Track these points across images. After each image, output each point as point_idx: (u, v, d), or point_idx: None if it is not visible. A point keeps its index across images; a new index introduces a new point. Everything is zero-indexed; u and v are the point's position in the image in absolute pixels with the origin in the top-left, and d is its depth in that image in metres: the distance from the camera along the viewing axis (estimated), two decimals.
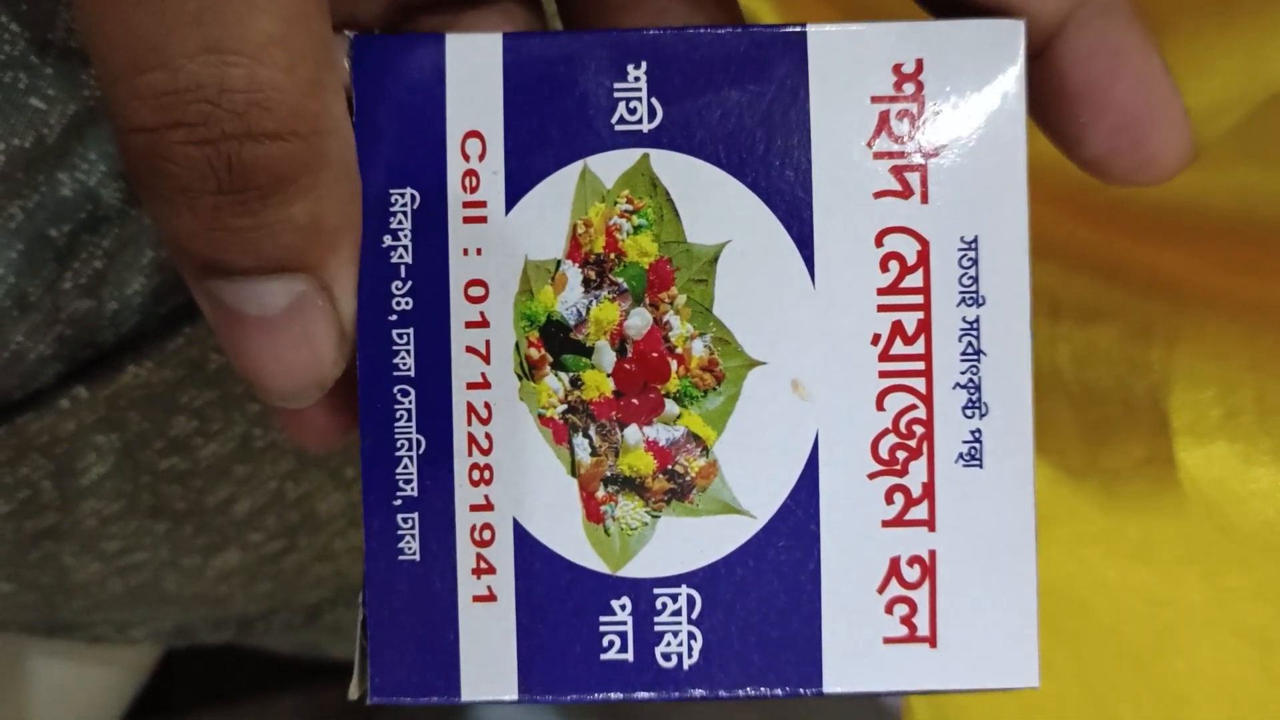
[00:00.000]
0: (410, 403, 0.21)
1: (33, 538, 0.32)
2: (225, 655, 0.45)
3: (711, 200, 0.21)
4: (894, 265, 0.21)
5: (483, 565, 0.21)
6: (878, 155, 0.21)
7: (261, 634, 0.42)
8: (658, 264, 0.21)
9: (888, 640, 0.21)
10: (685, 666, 0.21)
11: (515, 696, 0.21)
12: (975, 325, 0.21)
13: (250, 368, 0.19)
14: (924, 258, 0.21)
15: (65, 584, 0.34)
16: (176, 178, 0.17)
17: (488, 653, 0.21)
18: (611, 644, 0.21)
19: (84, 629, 0.39)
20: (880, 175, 0.21)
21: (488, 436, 0.21)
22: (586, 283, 0.21)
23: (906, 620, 0.21)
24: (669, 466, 0.21)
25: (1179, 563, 0.31)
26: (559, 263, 0.21)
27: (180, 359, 0.29)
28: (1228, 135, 0.31)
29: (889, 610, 0.21)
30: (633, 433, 0.21)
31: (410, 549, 0.21)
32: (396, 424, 0.21)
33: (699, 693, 0.21)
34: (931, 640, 0.21)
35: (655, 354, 0.21)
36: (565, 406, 0.21)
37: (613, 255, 0.21)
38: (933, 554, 0.21)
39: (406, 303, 0.21)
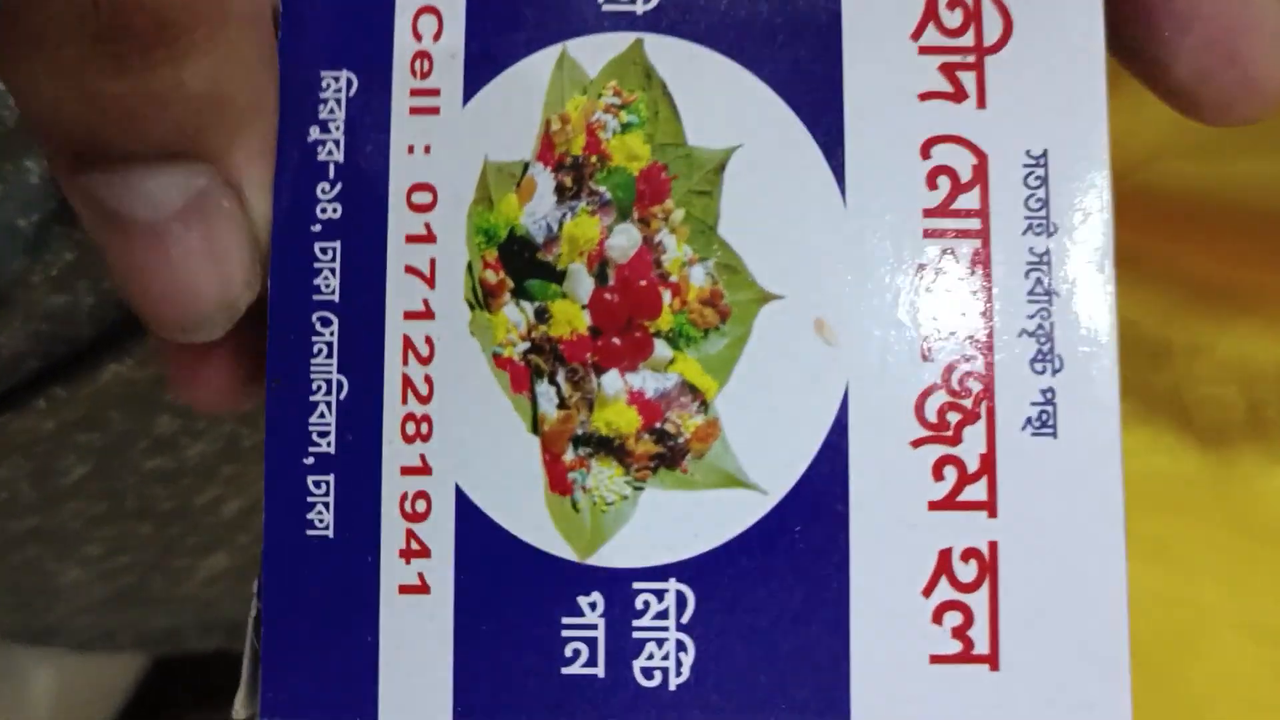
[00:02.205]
0: (332, 335, 0.17)
1: (13, 540, 0.31)
2: (215, 662, 0.44)
3: (718, 96, 0.17)
4: (944, 182, 0.17)
5: (414, 546, 0.17)
6: (924, 50, 0.17)
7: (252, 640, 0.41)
8: (650, 171, 0.17)
9: (935, 659, 0.16)
10: (672, 687, 0.16)
11: None
12: (1045, 259, 0.17)
13: (138, 289, 0.15)
14: (981, 174, 0.17)
15: (48, 587, 0.34)
16: (31, 21, 0.14)
17: (416, 662, 0.16)
18: (577, 654, 0.16)
19: (69, 635, 0.38)
20: (927, 73, 0.17)
21: (427, 380, 0.17)
22: (560, 191, 0.17)
23: (960, 633, 0.17)
24: (657, 425, 0.17)
25: (1196, 563, 0.31)
26: (526, 165, 0.17)
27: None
28: (1245, 126, 0.30)
29: (937, 619, 0.16)
30: (612, 381, 0.17)
31: (322, 521, 0.17)
32: (313, 361, 0.17)
33: None
34: (993, 661, 0.16)
35: (644, 282, 0.17)
36: (527, 345, 0.17)
37: (594, 158, 0.17)
38: (993, 547, 0.17)
39: (334, 209, 0.17)
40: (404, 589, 0.17)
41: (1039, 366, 0.17)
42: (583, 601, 0.17)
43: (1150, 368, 0.28)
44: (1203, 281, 0.28)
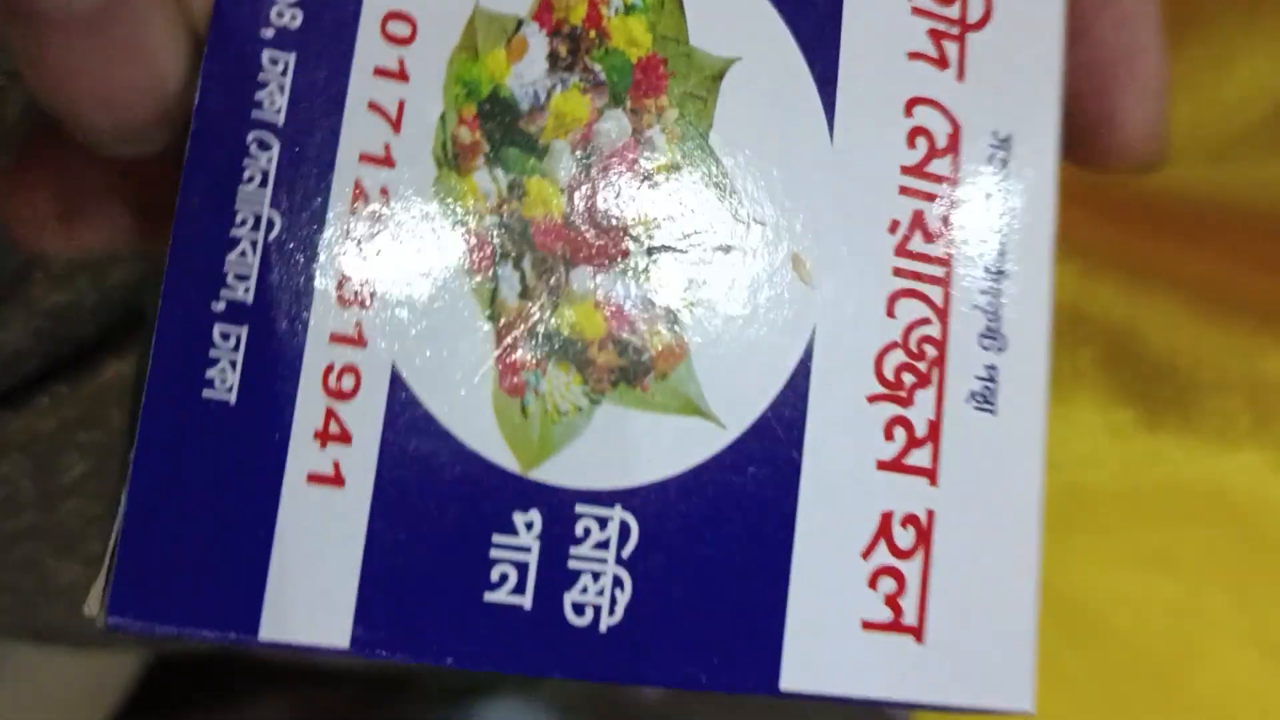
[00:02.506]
0: (269, 162, 0.14)
1: (12, 538, 0.31)
2: (215, 659, 0.44)
3: (726, 3, 0.16)
4: (922, 143, 0.17)
5: (332, 429, 0.14)
6: (916, 11, 0.17)
7: None
8: (649, 61, 0.16)
9: (867, 625, 0.16)
10: (602, 628, 0.15)
11: (345, 644, 0.14)
12: (1006, 241, 0.17)
13: (57, 90, 0.13)
14: (954, 143, 0.17)
15: (47, 587, 0.33)
16: None
17: (315, 568, 0.14)
18: (504, 579, 0.14)
19: (68, 633, 0.38)
20: (917, 34, 0.17)
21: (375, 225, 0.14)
22: (553, 59, 0.16)
23: (891, 600, 0.16)
24: (623, 336, 0.15)
25: (1202, 573, 0.30)
26: (520, 23, 0.15)
27: None
28: (1255, 129, 0.30)
29: (873, 583, 0.16)
30: (581, 278, 0.15)
31: (223, 383, 0.14)
32: (242, 188, 0.14)
33: (613, 675, 0.15)
34: (919, 633, 0.16)
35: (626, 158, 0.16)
36: (496, 219, 0.15)
37: (593, 33, 0.16)
38: (930, 516, 0.16)
39: (293, 17, 0.14)
40: (313, 478, 0.14)
41: (986, 343, 0.17)
42: (519, 519, 0.15)
43: (1155, 377, 0.28)
44: (1211, 289, 0.28)
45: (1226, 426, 0.27)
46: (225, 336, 0.14)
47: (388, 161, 0.15)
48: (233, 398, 0.14)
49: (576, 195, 0.15)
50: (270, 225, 0.14)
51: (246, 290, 0.14)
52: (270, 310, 0.14)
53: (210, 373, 0.14)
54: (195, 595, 0.13)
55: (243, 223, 0.14)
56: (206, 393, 0.14)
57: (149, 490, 0.13)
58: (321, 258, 0.14)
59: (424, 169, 0.15)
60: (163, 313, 0.13)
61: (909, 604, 0.16)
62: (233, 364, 0.14)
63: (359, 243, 0.14)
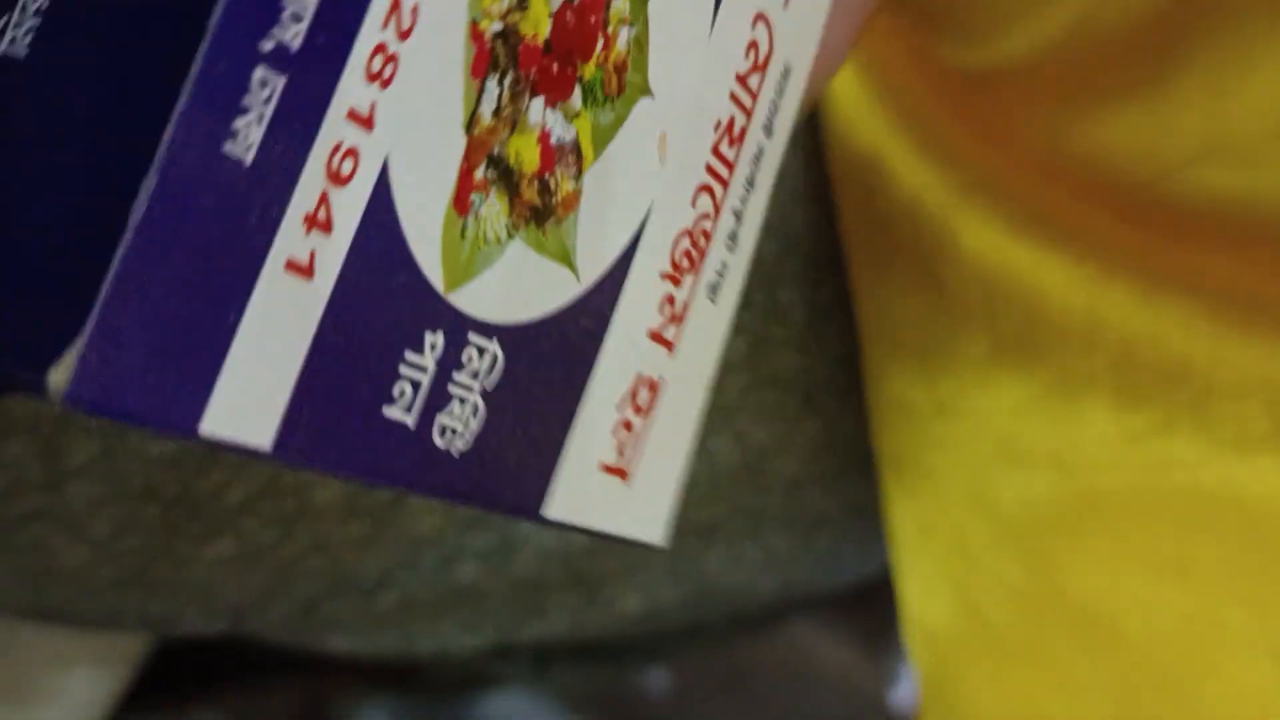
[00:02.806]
0: None
1: (18, 521, 0.31)
2: (222, 644, 0.44)
3: None
4: (752, 56, 0.18)
5: (320, 215, 0.13)
6: None
7: (257, 624, 0.41)
8: None
9: (603, 466, 0.18)
10: (455, 453, 0.16)
11: (268, 447, 0.13)
12: (760, 156, 0.19)
13: None
14: (766, 63, 0.19)
15: (53, 568, 0.33)
16: None
17: (266, 364, 0.13)
18: (401, 395, 0.15)
19: (74, 615, 0.38)
20: None
21: (414, 12, 0.14)
22: None
23: (621, 448, 0.18)
24: (546, 176, 0.16)
25: (1217, 582, 0.30)
26: None
27: None
28: (1276, 133, 0.30)
29: (614, 431, 0.18)
30: (536, 109, 0.16)
31: (246, 139, 0.12)
32: None
33: (453, 495, 0.16)
34: (625, 474, 0.18)
35: (594, 19, 0.16)
36: (500, 26, 0.15)
37: None
38: (661, 383, 0.19)
39: None
40: (290, 266, 0.13)
41: (729, 243, 0.19)
42: (427, 339, 0.15)
43: (1171, 381, 0.28)
44: (1229, 293, 0.28)
45: (1244, 432, 0.27)
46: (263, 84, 0.12)
47: None
48: (249, 157, 0.12)
49: (558, 24, 0.15)
50: None
51: (294, 36, 0.12)
52: (312, 62, 0.13)
53: (237, 124, 0.12)
54: (156, 380, 0.12)
55: None
56: (228, 146, 0.12)
57: (146, 252, 0.12)
58: (367, 18, 0.13)
59: None
60: (211, 45, 0.12)
61: (630, 452, 0.18)
62: (260, 118, 0.12)
63: (399, 19, 0.14)
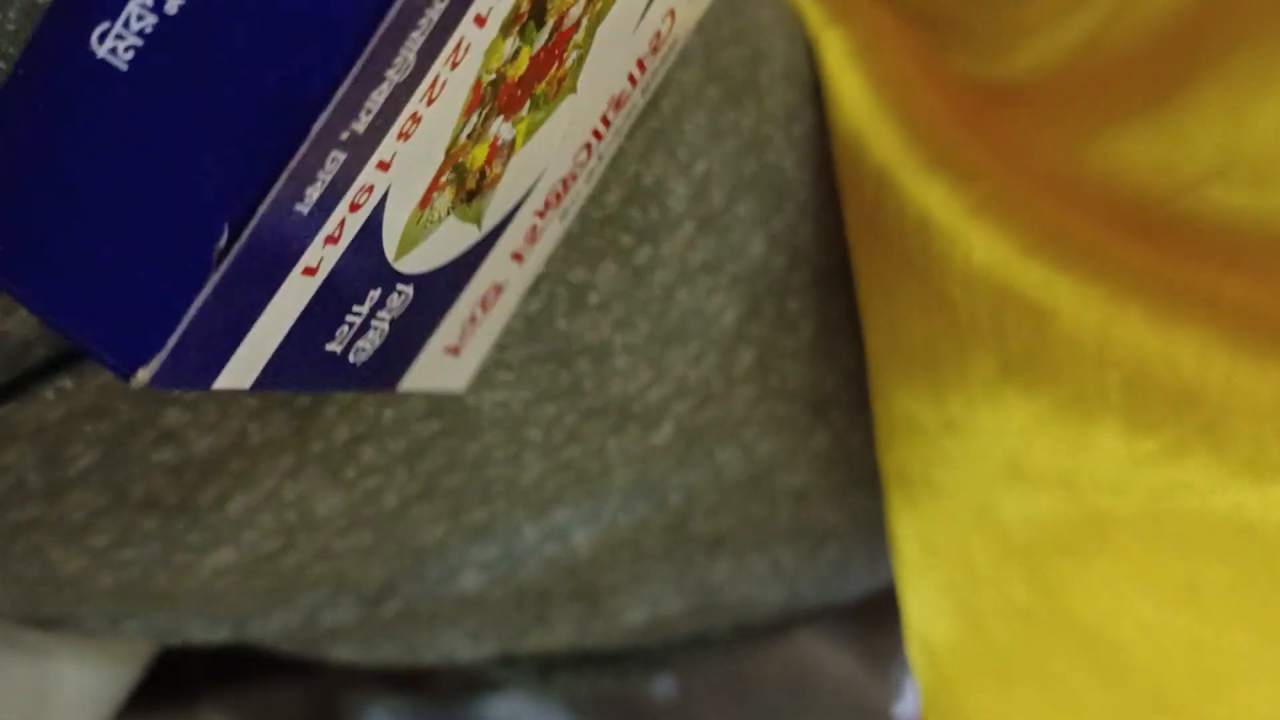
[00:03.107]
0: None
1: (17, 528, 0.31)
2: (225, 650, 0.44)
3: None
4: (654, 43, 0.22)
5: (336, 233, 0.17)
6: None
7: (258, 633, 0.40)
8: None
9: (448, 349, 0.22)
10: (358, 364, 0.20)
11: (248, 386, 0.17)
12: (631, 111, 0.23)
13: None
14: (661, 46, 0.22)
15: (51, 577, 0.33)
16: None
17: (265, 335, 0.17)
18: (340, 335, 0.19)
19: (74, 624, 0.37)
20: None
21: (443, 85, 0.16)
22: None
23: (462, 335, 0.22)
24: (485, 167, 0.19)
25: (1226, 606, 0.30)
26: None
27: None
28: None
29: (462, 324, 0.22)
30: (496, 125, 0.19)
31: (311, 199, 0.15)
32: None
33: (359, 387, 0.21)
34: (458, 351, 0.23)
35: (557, 52, 0.19)
36: (494, 77, 0.17)
37: None
38: (505, 285, 0.22)
39: None
40: (305, 271, 0.17)
41: (588, 179, 0.23)
42: (370, 293, 0.18)
43: (1183, 403, 0.27)
44: (1244, 316, 0.27)
45: (1257, 458, 0.26)
46: (334, 160, 0.15)
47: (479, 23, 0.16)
48: (307, 210, 0.16)
49: (536, 60, 0.18)
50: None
51: (365, 122, 0.15)
52: (368, 139, 0.16)
53: (309, 190, 0.15)
54: (199, 362, 0.16)
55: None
56: (298, 207, 0.15)
57: (226, 281, 0.15)
58: (410, 100, 0.16)
59: (490, 32, 0.17)
60: (312, 143, 0.15)
61: (466, 336, 0.22)
62: (322, 183, 0.16)
63: (430, 91, 0.16)
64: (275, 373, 0.17)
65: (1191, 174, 0.34)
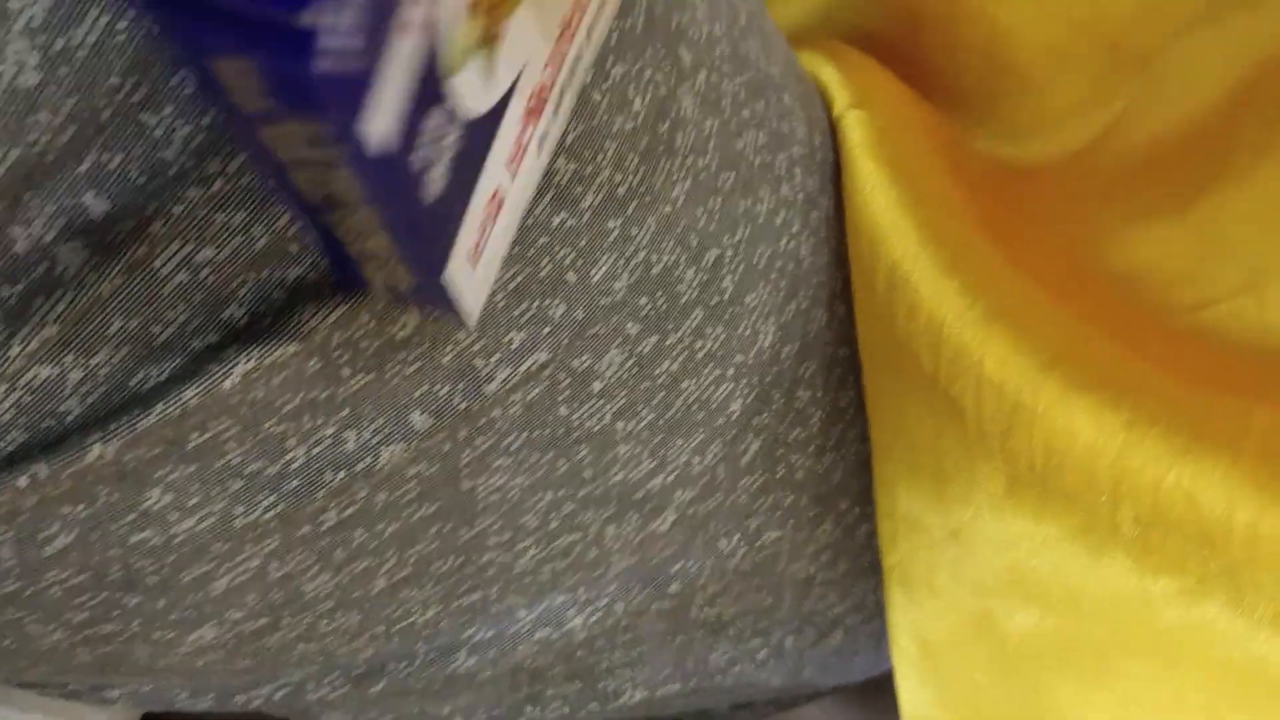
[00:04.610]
0: None
1: None
2: (206, 715, 0.43)
3: None
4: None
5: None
6: None
7: (243, 704, 0.39)
8: None
9: (467, 253, 0.24)
10: (431, 193, 0.21)
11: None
12: (578, 60, 0.26)
13: None
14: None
15: (30, 649, 0.32)
16: None
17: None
18: (422, 146, 0.21)
19: (57, 689, 0.37)
20: None
21: None
22: None
23: (478, 243, 0.24)
24: (492, 10, 0.21)
25: None
26: None
27: (155, 438, 0.27)
28: None
29: (477, 227, 0.23)
30: None
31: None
32: None
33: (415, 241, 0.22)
34: (475, 264, 0.24)
35: None
36: None
37: None
38: (504, 198, 0.24)
39: None
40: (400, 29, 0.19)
41: (554, 109, 0.26)
42: (433, 110, 0.20)
43: (1204, 544, 0.26)
44: (1273, 454, 0.26)
45: None
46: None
47: None
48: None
49: None
50: None
51: None
52: None
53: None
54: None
55: None
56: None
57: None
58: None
59: None
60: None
61: (482, 247, 0.24)
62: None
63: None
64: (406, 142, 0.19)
65: (1221, 284, 0.33)
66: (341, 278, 0.28)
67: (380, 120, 0.19)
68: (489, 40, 0.22)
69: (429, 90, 0.20)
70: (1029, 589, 0.31)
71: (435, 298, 0.25)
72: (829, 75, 0.43)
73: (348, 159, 0.19)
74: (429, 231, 0.22)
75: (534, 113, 0.25)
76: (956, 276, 0.32)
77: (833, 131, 0.42)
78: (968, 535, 0.32)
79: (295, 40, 0.16)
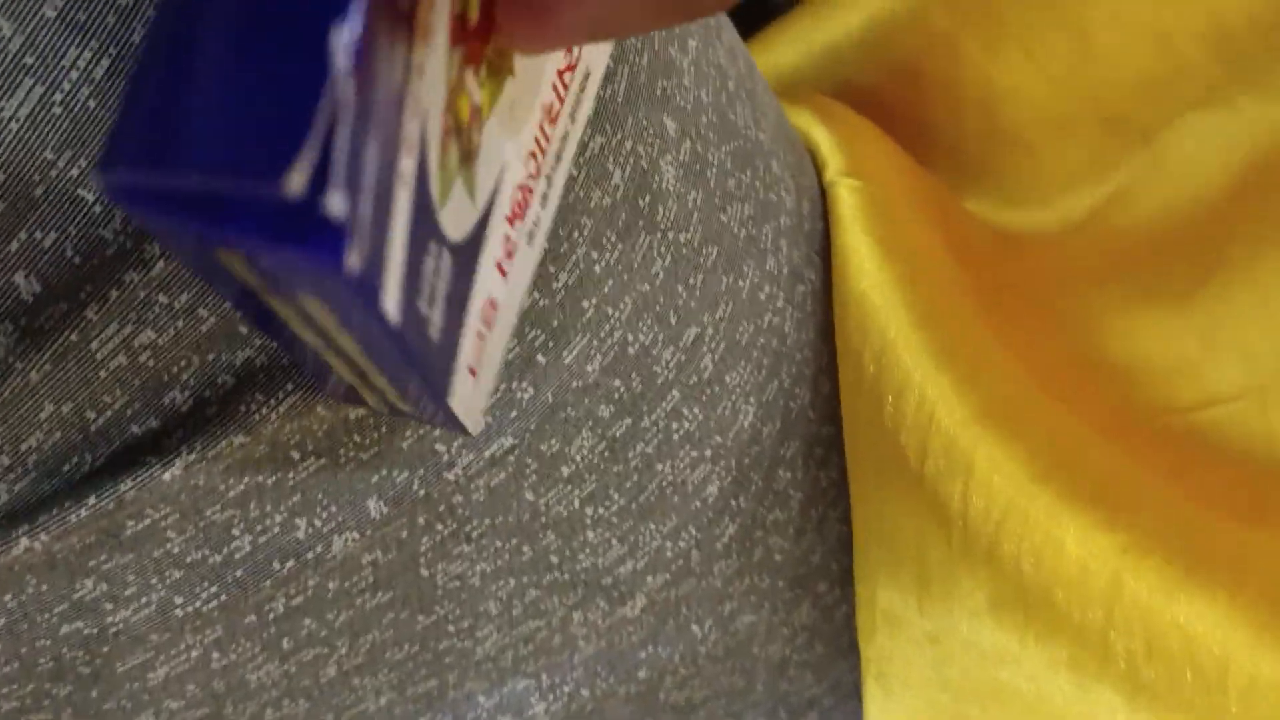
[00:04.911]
0: None
1: None
2: None
3: None
4: (567, 58, 0.24)
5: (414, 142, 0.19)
6: None
7: None
8: None
9: (468, 368, 0.22)
10: (433, 336, 0.20)
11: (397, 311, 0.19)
12: (565, 137, 0.25)
13: None
14: (575, 65, 0.25)
15: None
16: None
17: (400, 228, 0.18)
18: (424, 287, 0.19)
19: None
20: None
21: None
22: None
23: (477, 354, 0.23)
24: (470, 129, 0.20)
25: None
26: None
27: (88, 529, 0.25)
28: None
29: (474, 340, 0.22)
30: (469, 80, 0.20)
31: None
32: None
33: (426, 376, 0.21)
34: (475, 374, 0.23)
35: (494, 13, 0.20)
36: (459, 11, 0.19)
37: None
38: (498, 303, 0.23)
39: None
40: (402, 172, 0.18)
41: (542, 202, 0.25)
42: (429, 244, 0.19)
43: (1200, 684, 0.24)
44: (1273, 592, 0.24)
45: None
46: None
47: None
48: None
49: (481, 7, 0.20)
50: None
51: None
52: None
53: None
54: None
55: None
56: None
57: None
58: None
59: None
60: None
61: (481, 357, 0.23)
62: None
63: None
64: (409, 297, 0.18)
65: (1220, 385, 0.32)
66: (311, 382, 0.26)
67: (392, 294, 0.17)
68: (468, 159, 0.20)
69: (423, 233, 0.18)
70: (1009, 706, 0.29)
71: (435, 416, 0.24)
72: (821, 137, 0.42)
73: (358, 329, 0.18)
74: (433, 366, 0.21)
75: (521, 208, 0.24)
76: (950, 365, 0.30)
77: (822, 196, 0.40)
78: (948, 641, 0.30)
79: (314, 230, 0.14)
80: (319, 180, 0.14)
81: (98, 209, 0.23)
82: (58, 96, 0.22)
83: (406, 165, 0.17)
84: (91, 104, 0.22)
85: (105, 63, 0.22)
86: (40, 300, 0.23)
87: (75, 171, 0.22)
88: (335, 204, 0.14)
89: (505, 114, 0.22)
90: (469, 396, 0.23)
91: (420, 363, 0.20)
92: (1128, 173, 0.42)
